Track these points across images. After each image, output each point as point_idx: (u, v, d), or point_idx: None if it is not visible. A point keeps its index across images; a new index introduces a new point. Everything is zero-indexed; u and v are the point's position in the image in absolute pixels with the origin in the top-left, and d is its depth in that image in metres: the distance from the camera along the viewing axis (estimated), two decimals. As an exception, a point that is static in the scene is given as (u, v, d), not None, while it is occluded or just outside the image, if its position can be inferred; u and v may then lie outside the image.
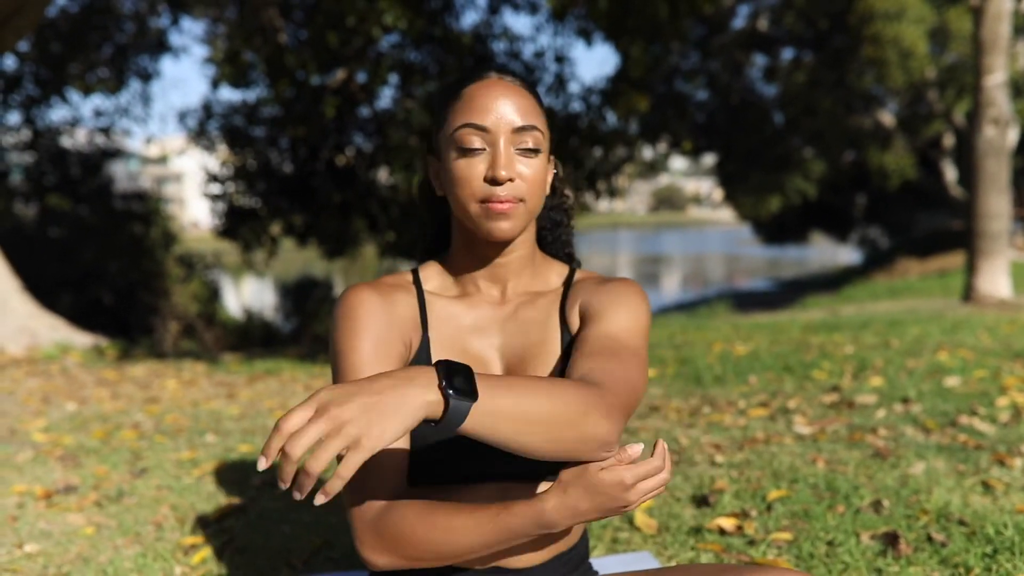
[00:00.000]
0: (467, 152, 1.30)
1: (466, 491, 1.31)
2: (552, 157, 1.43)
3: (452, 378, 1.02)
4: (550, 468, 1.31)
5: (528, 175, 1.31)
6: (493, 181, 1.28)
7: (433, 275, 1.44)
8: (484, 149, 1.29)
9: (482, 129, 1.29)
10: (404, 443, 1.29)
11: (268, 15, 9.31)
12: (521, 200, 1.30)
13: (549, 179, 1.40)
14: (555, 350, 1.37)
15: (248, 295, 20.32)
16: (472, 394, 1.02)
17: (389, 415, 0.98)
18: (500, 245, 1.37)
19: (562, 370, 1.34)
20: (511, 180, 1.29)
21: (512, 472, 1.31)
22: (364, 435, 0.96)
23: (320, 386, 5.03)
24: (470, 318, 1.39)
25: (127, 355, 6.90)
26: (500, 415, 1.05)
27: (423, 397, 1.00)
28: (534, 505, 1.15)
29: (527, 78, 1.40)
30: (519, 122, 1.30)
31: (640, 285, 1.39)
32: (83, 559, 2.25)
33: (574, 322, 1.38)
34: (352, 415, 0.97)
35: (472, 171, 1.30)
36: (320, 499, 0.99)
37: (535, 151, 1.31)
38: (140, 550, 2.28)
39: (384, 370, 1.27)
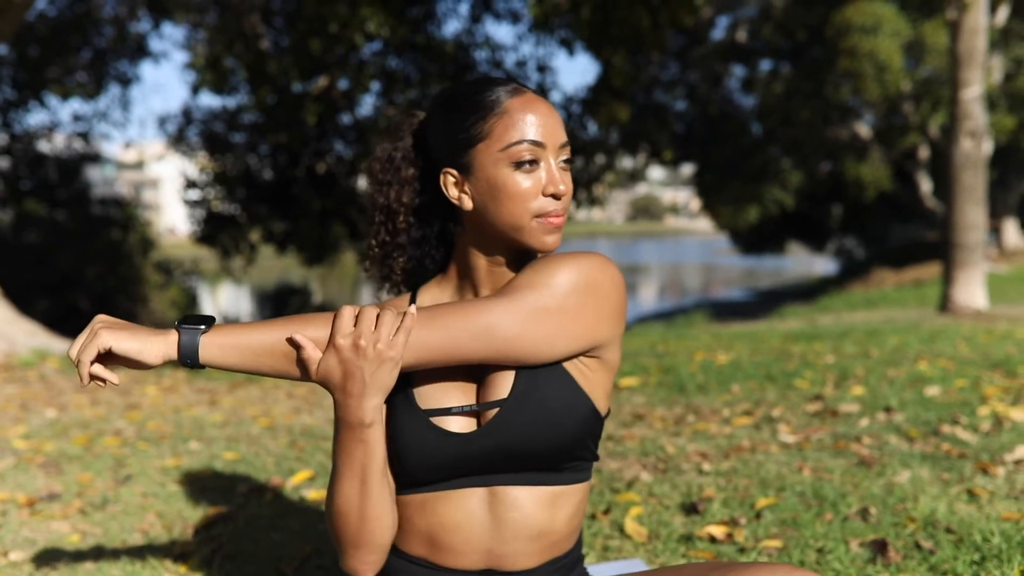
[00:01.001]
0: (524, 168, 1.31)
1: (456, 496, 1.32)
2: None
3: (186, 320, 1.20)
4: (539, 468, 1.32)
5: (569, 187, 1.36)
6: (555, 196, 1.32)
7: (430, 293, 1.45)
8: (538, 165, 1.32)
9: (539, 145, 1.31)
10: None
11: (250, 21, 9.28)
12: (565, 211, 1.35)
13: None
14: None
15: (225, 302, 20.19)
16: (200, 328, 1.18)
17: (130, 332, 1.17)
18: (520, 255, 1.39)
19: (516, 374, 1.33)
20: (565, 193, 1.34)
21: (502, 478, 1.32)
22: (102, 330, 1.16)
23: (302, 393, 5.01)
24: None
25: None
26: (236, 346, 1.19)
27: (164, 336, 1.18)
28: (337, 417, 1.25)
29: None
30: (563, 138, 1.35)
31: (595, 256, 1.32)
32: (70, 567, 2.23)
33: None
34: (102, 319, 1.18)
35: (529, 186, 1.32)
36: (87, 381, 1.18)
37: (570, 163, 1.36)
38: (127, 558, 2.27)
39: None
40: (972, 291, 9.02)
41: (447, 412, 1.31)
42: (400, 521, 1.35)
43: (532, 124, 1.31)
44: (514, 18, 10.94)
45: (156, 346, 1.16)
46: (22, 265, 10.26)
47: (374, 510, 1.28)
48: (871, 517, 2.31)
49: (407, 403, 1.32)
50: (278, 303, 13.75)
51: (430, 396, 1.32)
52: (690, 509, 2.46)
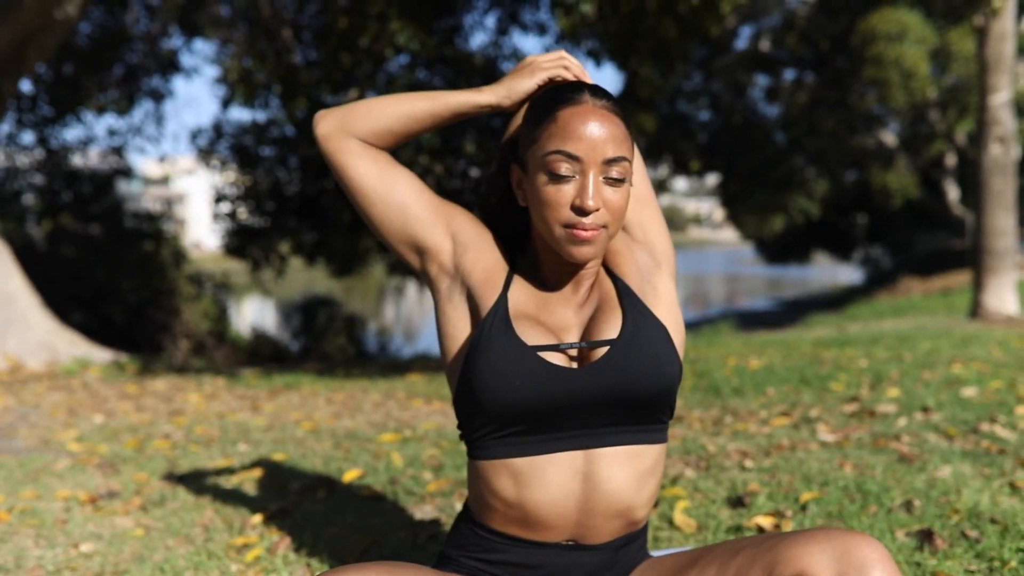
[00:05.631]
0: (557, 178, 1.36)
1: (550, 468, 1.37)
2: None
3: None
4: (635, 419, 1.39)
5: (613, 203, 1.37)
6: (580, 210, 1.35)
7: (521, 279, 1.50)
8: (573, 176, 1.36)
9: (574, 158, 1.35)
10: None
11: (283, 36, 9.43)
12: (604, 227, 1.38)
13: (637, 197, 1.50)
14: (613, 297, 1.46)
15: (251, 315, 20.34)
16: None
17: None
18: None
19: (624, 313, 1.42)
20: (597, 210, 1.36)
21: (597, 437, 1.38)
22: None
23: (340, 398, 5.09)
24: (545, 300, 1.46)
25: (147, 370, 6.96)
26: None
27: None
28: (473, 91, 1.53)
29: (615, 99, 1.45)
30: (610, 154, 1.36)
31: None
32: (138, 558, 2.31)
33: (620, 267, 1.50)
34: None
35: (560, 197, 1.36)
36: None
37: (621, 180, 1.37)
38: (193, 550, 2.35)
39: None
40: (1003, 297, 8.99)
41: (555, 348, 1.37)
42: (491, 497, 1.40)
43: (572, 137, 1.35)
44: (541, 30, 11.00)
45: None
46: (57, 279, 10.42)
47: (392, 126, 1.51)
48: (915, 509, 2.36)
49: (514, 341, 1.37)
50: (306, 315, 13.85)
51: (536, 335, 1.38)
52: (736, 503, 2.51)
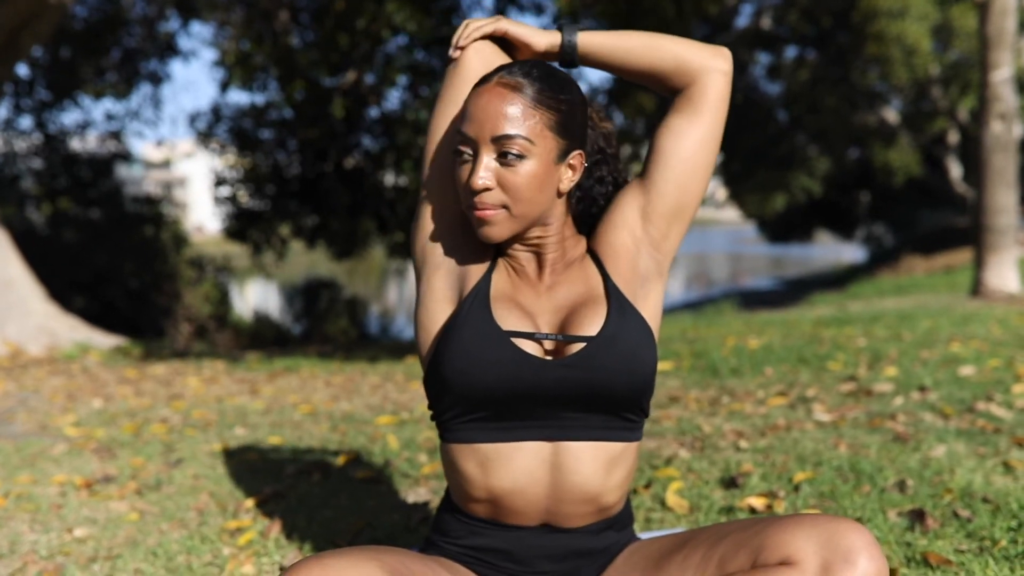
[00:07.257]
0: (458, 158, 1.37)
1: (518, 455, 1.37)
2: (580, 151, 1.42)
3: (564, 22, 1.50)
4: (606, 412, 1.38)
5: (510, 182, 1.34)
6: (470, 190, 1.35)
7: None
8: (469, 157, 1.36)
9: (467, 138, 1.35)
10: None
11: (280, 18, 9.40)
12: (504, 207, 1.36)
13: (566, 177, 1.41)
14: (599, 293, 1.43)
15: (253, 298, 20.37)
16: (577, 27, 1.48)
17: (523, 24, 1.49)
18: (535, 238, 1.45)
19: (609, 311, 1.40)
20: (488, 189, 1.34)
21: (566, 430, 1.37)
22: (503, 20, 1.48)
23: (339, 381, 5.10)
24: (518, 285, 1.45)
25: (148, 354, 6.97)
26: (602, 40, 1.47)
27: (548, 35, 1.49)
28: None
29: (541, 71, 1.41)
30: (498, 131, 1.33)
31: None
32: (131, 543, 2.32)
33: (617, 262, 1.46)
34: (501, 19, 1.49)
35: (461, 177, 1.37)
36: (454, 53, 1.50)
37: (519, 157, 1.34)
38: (186, 534, 2.35)
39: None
40: (1004, 274, 8.97)
41: (530, 336, 1.36)
42: (460, 480, 1.41)
43: (467, 118, 1.35)
44: (538, 10, 10.94)
45: (544, 35, 1.48)
46: (58, 264, 10.43)
47: None
48: (908, 489, 2.36)
49: (490, 324, 1.36)
50: (308, 298, 13.87)
51: (513, 321, 1.37)
52: (729, 483, 2.51)
